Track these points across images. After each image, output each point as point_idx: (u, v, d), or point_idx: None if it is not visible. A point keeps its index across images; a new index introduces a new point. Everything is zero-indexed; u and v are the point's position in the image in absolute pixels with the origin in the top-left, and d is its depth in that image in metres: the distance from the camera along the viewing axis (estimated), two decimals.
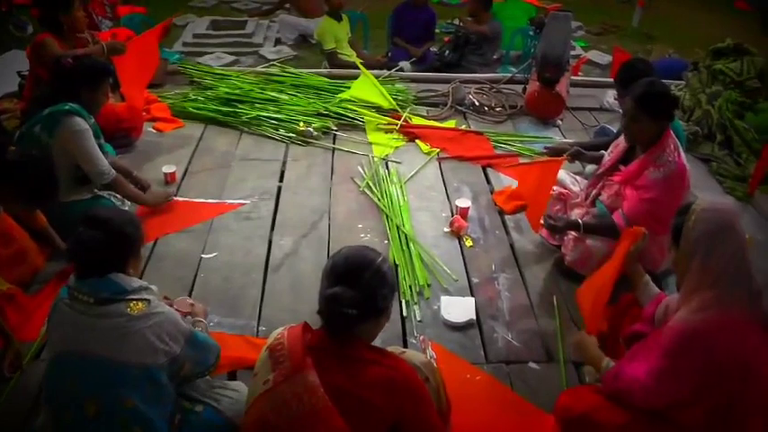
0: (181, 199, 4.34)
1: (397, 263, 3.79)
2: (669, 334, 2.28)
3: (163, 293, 3.03)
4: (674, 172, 3.33)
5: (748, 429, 2.26)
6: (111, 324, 2.19)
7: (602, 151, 3.96)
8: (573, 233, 3.69)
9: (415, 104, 5.90)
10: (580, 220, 3.59)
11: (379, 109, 5.64)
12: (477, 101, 5.92)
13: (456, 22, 7.71)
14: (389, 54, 7.50)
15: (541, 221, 3.76)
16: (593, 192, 3.78)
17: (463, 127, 5.61)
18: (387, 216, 4.24)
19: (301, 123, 5.27)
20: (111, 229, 2.29)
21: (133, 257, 2.40)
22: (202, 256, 3.84)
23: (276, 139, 5.22)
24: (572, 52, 7.67)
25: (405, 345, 3.26)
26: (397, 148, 5.19)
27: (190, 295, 3.47)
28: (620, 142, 3.69)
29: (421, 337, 3.29)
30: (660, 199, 3.30)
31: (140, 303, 2.24)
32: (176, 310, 2.89)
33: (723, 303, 2.24)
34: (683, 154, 3.40)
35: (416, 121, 5.59)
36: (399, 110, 5.64)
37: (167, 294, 2.88)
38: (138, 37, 5.25)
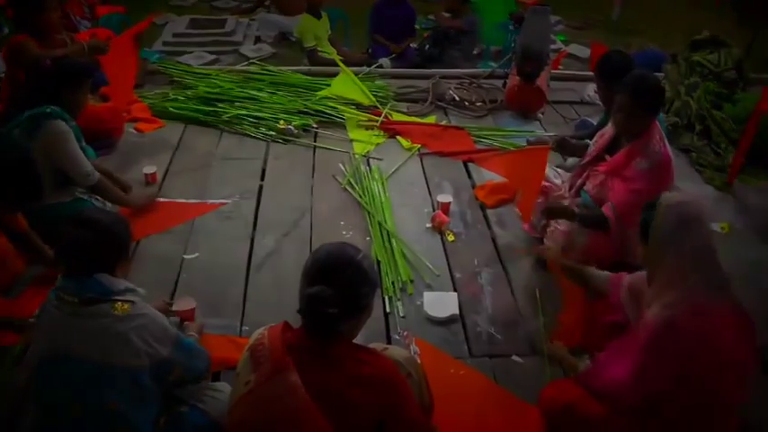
0: (162, 199, 4.32)
1: (380, 259, 3.80)
2: (645, 331, 2.30)
3: (162, 298, 3.06)
4: (660, 162, 3.35)
5: (726, 417, 2.29)
6: (95, 325, 2.18)
7: (587, 140, 3.97)
8: (555, 224, 3.71)
9: (396, 101, 5.89)
10: (576, 209, 3.58)
11: (359, 106, 5.64)
12: (458, 96, 5.93)
13: (431, 17, 7.73)
14: (370, 51, 7.49)
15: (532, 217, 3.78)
16: (579, 182, 3.78)
17: (444, 122, 5.61)
18: (368, 213, 4.24)
19: (282, 122, 5.26)
20: (102, 229, 2.29)
21: (122, 259, 2.40)
22: (184, 256, 3.83)
23: (257, 138, 5.20)
24: (552, 46, 7.69)
25: (388, 341, 3.26)
26: (377, 144, 5.19)
27: (172, 296, 3.46)
28: (606, 132, 3.69)
29: (404, 333, 3.30)
30: (648, 189, 3.30)
31: (125, 305, 2.23)
32: (174, 310, 2.95)
33: (696, 295, 2.26)
34: (667, 144, 3.43)
35: (397, 117, 5.59)
36: (380, 106, 5.63)
37: (151, 294, 2.87)
38: (119, 37, 5.22)
